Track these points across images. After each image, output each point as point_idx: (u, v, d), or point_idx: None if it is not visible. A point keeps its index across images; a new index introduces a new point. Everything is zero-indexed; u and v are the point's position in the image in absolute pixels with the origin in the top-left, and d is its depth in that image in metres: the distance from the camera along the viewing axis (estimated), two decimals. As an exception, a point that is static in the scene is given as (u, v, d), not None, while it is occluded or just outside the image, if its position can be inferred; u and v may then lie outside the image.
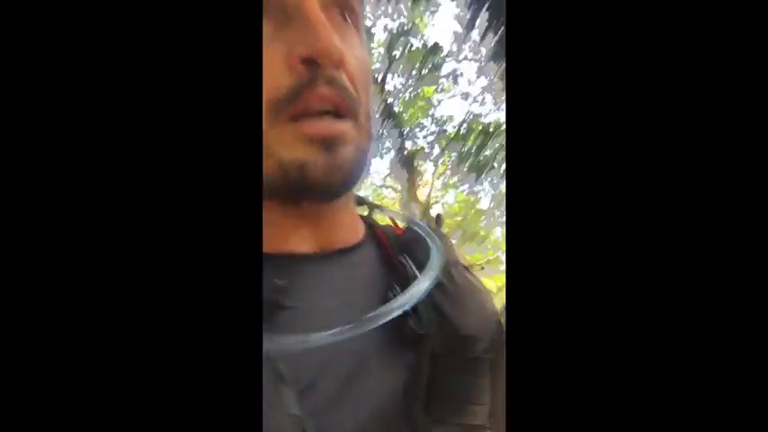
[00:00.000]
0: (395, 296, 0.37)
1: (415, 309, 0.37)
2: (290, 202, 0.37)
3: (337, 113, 0.35)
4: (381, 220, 0.50)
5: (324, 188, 0.35)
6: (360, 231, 0.45)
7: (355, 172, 0.36)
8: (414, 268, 0.41)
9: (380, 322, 0.34)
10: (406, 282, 0.39)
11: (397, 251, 0.44)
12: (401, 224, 0.48)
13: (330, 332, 0.32)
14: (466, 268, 0.45)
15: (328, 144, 0.34)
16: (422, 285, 0.36)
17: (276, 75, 0.34)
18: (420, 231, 0.44)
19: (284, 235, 0.39)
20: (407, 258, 0.42)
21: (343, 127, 0.35)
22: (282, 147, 0.34)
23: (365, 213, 0.49)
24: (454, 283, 0.41)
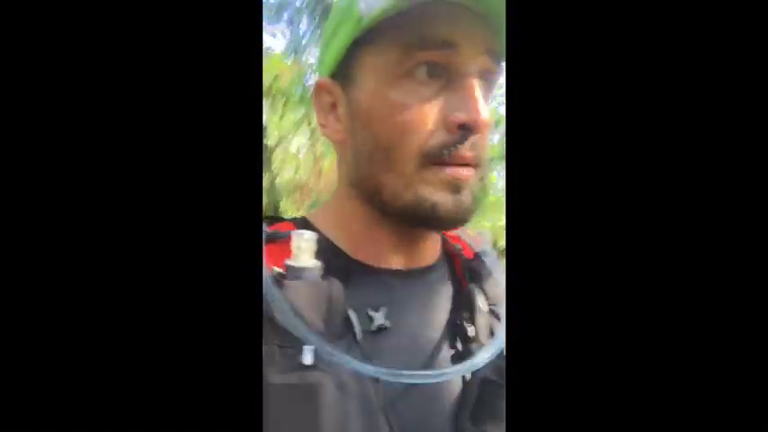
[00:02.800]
0: (463, 324, 0.45)
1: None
2: (402, 226, 0.45)
3: (468, 164, 0.43)
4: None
5: (449, 224, 0.44)
6: (438, 251, 0.51)
7: (473, 213, 0.44)
8: (484, 301, 0.48)
9: (449, 378, 0.41)
10: (471, 309, 0.47)
11: (468, 277, 0.50)
12: (472, 248, 0.53)
13: (407, 375, 0.39)
14: None
15: (458, 187, 0.42)
16: (490, 352, 0.42)
17: (432, 131, 0.42)
18: (490, 265, 0.51)
19: (385, 248, 0.47)
20: (477, 289, 0.48)
21: (470, 175, 0.43)
22: (423, 185, 0.42)
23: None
24: None
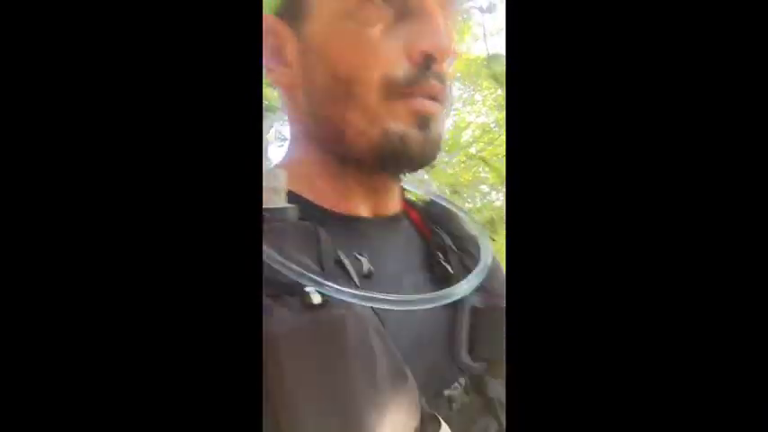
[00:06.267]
0: (440, 263, 0.45)
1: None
2: (367, 171, 0.44)
3: (434, 98, 0.41)
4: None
5: (418, 160, 0.42)
6: (399, 202, 0.50)
7: (439, 148, 0.43)
8: (449, 240, 0.48)
9: (447, 301, 0.40)
10: (443, 250, 0.47)
11: (431, 222, 0.50)
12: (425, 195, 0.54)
13: (408, 300, 0.38)
14: None
15: (426, 121, 0.41)
16: (477, 278, 0.42)
17: (395, 61, 0.39)
18: (447, 206, 0.52)
19: (352, 198, 0.45)
20: (440, 230, 0.49)
21: (437, 108, 0.41)
22: (389, 119, 0.40)
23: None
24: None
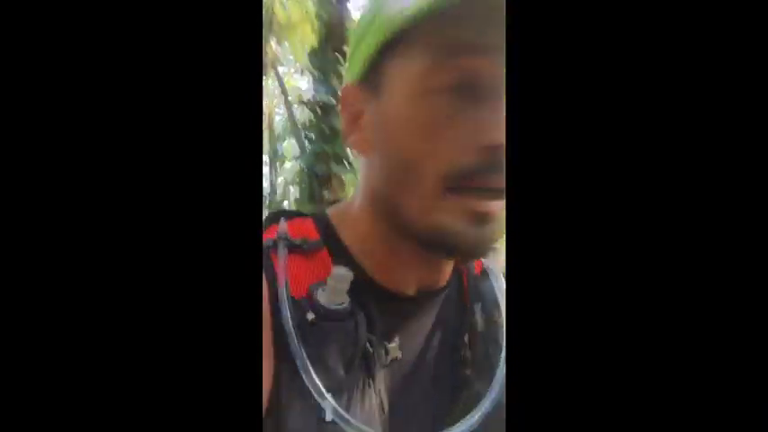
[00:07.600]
0: (462, 351, 0.46)
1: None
2: (420, 250, 0.43)
3: (495, 193, 0.38)
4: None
5: (466, 256, 0.42)
6: (449, 273, 0.49)
7: (494, 246, 0.41)
8: (482, 325, 0.48)
9: None
10: (473, 332, 0.47)
11: (473, 296, 0.50)
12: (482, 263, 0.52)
13: None
14: None
15: (483, 219, 0.39)
16: (486, 404, 0.43)
17: (459, 150, 0.37)
18: (494, 285, 0.50)
19: (402, 273, 0.46)
20: (478, 308, 0.48)
21: (496, 207, 0.39)
22: (444, 213, 0.39)
23: None
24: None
